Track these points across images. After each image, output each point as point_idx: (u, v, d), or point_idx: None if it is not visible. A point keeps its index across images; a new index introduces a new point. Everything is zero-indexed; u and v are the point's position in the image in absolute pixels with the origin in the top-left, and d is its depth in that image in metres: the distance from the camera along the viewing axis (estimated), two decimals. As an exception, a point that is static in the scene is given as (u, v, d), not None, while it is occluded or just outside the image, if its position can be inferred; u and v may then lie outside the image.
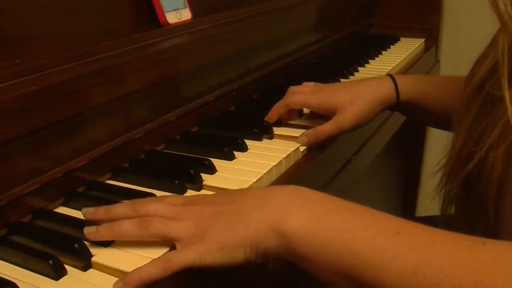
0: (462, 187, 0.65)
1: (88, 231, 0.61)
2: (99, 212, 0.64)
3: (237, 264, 0.56)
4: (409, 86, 0.98)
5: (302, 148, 0.88)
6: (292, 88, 1.00)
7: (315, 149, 0.91)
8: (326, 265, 0.52)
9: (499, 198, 0.59)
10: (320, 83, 1.04)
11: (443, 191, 0.71)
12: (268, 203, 0.57)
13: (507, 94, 0.56)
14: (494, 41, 0.61)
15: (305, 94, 0.97)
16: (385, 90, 0.97)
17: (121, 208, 0.63)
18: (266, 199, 0.58)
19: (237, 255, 0.56)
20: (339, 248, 0.51)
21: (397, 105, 0.98)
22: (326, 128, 0.91)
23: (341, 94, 0.94)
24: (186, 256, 0.56)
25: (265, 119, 0.97)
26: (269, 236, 0.55)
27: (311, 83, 1.02)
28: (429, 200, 2.02)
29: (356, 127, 0.94)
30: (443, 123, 0.83)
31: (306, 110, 1.03)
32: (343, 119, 0.91)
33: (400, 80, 0.98)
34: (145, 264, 0.56)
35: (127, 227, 0.60)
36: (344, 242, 0.51)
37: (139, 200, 0.64)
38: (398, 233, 0.50)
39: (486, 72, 0.61)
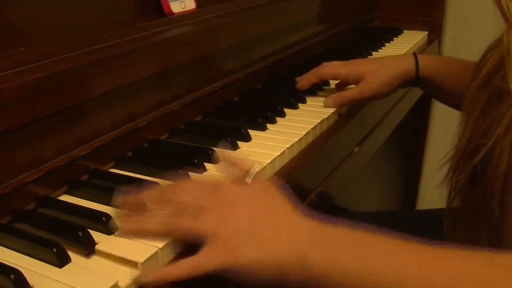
0: (469, 180, 0.65)
1: (120, 214, 0.63)
2: (129, 201, 0.64)
3: (258, 280, 0.56)
4: (429, 63, 1.04)
5: (302, 140, 0.88)
6: (324, 63, 1.09)
7: (319, 140, 0.91)
8: None
9: (504, 191, 0.60)
10: None
11: (449, 184, 0.71)
12: (297, 232, 0.57)
13: None
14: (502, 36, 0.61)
15: (335, 66, 1.06)
16: (406, 64, 1.04)
17: (151, 200, 0.63)
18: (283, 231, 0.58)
19: (260, 275, 0.56)
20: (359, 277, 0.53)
21: (416, 80, 1.05)
22: (351, 94, 1.02)
23: (367, 65, 1.04)
24: (211, 265, 0.56)
25: (297, 86, 1.08)
26: (295, 264, 0.55)
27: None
28: (430, 193, 2.03)
29: (376, 96, 1.03)
30: (459, 103, 0.85)
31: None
32: (365, 86, 1.01)
33: (422, 58, 1.05)
34: (173, 265, 0.57)
35: (154, 227, 0.60)
36: (357, 280, 0.53)
37: (171, 189, 0.65)
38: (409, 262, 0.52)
39: (493, 66, 0.62)
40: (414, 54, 1.05)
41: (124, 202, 0.64)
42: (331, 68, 1.06)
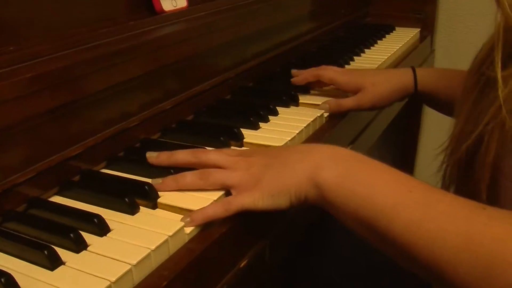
0: (460, 167, 0.68)
1: (156, 181, 0.70)
2: (162, 157, 0.74)
3: (283, 208, 0.65)
4: (427, 78, 1.05)
5: (296, 139, 0.88)
6: (324, 66, 1.10)
7: (314, 136, 0.90)
8: (349, 214, 0.61)
9: (493, 180, 0.62)
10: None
11: (444, 172, 0.73)
12: (308, 158, 0.65)
13: (500, 75, 0.58)
14: None
15: (335, 71, 1.07)
16: (405, 79, 1.05)
17: (184, 155, 0.73)
18: (307, 154, 0.66)
19: (284, 201, 0.65)
20: (360, 199, 0.59)
21: (415, 94, 1.06)
22: (348, 102, 1.01)
23: (367, 77, 1.05)
24: (243, 200, 0.65)
25: (292, 80, 1.09)
26: (308, 186, 0.63)
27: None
28: (425, 174, 2.03)
29: (373, 108, 1.05)
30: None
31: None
32: (364, 98, 1.01)
33: (420, 72, 1.06)
34: (209, 205, 0.66)
35: (190, 179, 0.70)
36: (364, 194, 0.59)
37: (199, 149, 0.76)
38: (410, 191, 0.58)
39: (484, 54, 0.64)
40: (413, 68, 1.06)
41: (158, 158, 0.74)
42: (331, 73, 1.06)
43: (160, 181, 0.70)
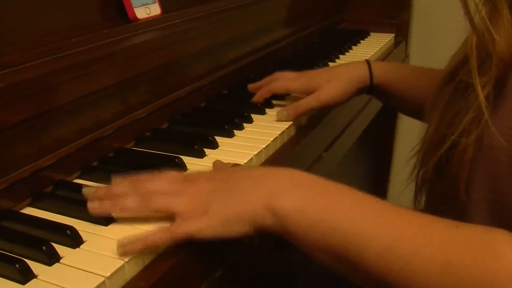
0: (435, 169, 0.67)
1: (92, 205, 0.64)
2: (100, 192, 0.66)
3: (236, 236, 0.60)
4: (383, 70, 1.04)
5: (270, 147, 0.88)
6: (276, 74, 1.07)
7: (289, 144, 0.91)
8: (313, 243, 0.57)
9: (470, 178, 0.61)
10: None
11: (417, 175, 0.72)
12: (262, 183, 0.61)
13: (478, 83, 0.58)
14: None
15: (287, 80, 1.04)
16: (360, 72, 1.03)
17: (122, 187, 0.66)
18: (260, 179, 0.62)
19: (237, 229, 0.60)
20: (326, 227, 0.56)
21: (370, 88, 1.04)
22: (305, 101, 0.99)
23: (320, 76, 1.02)
24: (190, 227, 0.60)
25: (252, 100, 1.05)
26: (264, 213, 0.59)
27: (295, 72, 1.08)
28: (399, 189, 2.04)
29: (333, 102, 1.00)
30: (415, 111, 0.88)
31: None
32: (320, 95, 0.99)
33: (375, 65, 1.05)
34: (152, 231, 0.60)
35: (130, 203, 0.63)
36: (331, 222, 0.56)
37: (138, 177, 0.67)
38: (378, 216, 0.55)
39: (458, 62, 0.64)
40: (367, 61, 1.05)
41: (96, 192, 0.67)
42: (283, 83, 1.04)
43: (97, 204, 0.64)
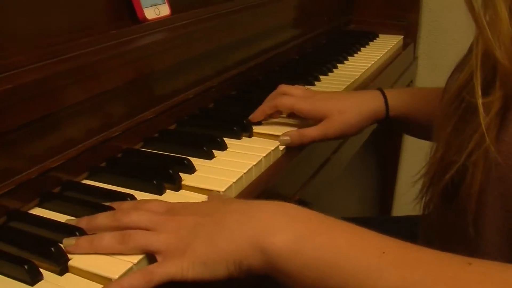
0: (442, 198, 0.64)
1: (68, 243, 0.60)
2: (82, 223, 0.63)
3: (220, 279, 0.55)
4: (399, 101, 0.97)
5: (281, 147, 0.88)
6: (282, 88, 0.98)
7: (295, 148, 0.90)
8: (310, 284, 0.52)
9: (478, 212, 0.59)
10: (310, 88, 1.02)
11: (423, 200, 0.70)
12: (252, 219, 0.56)
13: (480, 101, 0.55)
14: (470, 52, 0.60)
15: (295, 98, 0.95)
16: (375, 105, 0.96)
17: (102, 219, 0.62)
18: (250, 214, 0.57)
19: (220, 271, 0.55)
20: (324, 267, 0.51)
21: (385, 119, 0.97)
22: (312, 133, 0.90)
23: (332, 103, 0.93)
24: (169, 269, 0.55)
25: (249, 118, 0.95)
26: (252, 253, 0.54)
27: (302, 87, 1.01)
28: (405, 200, 2.04)
29: (341, 137, 0.94)
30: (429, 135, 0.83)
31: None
32: (330, 127, 0.91)
33: (390, 95, 0.97)
34: (127, 276, 0.55)
35: (107, 242, 0.59)
36: (329, 261, 0.51)
37: (120, 209, 0.64)
38: (383, 252, 0.50)
39: (463, 80, 0.61)
40: (382, 90, 0.98)
41: (77, 223, 0.63)
42: (291, 101, 0.94)
43: (73, 242, 0.59)
